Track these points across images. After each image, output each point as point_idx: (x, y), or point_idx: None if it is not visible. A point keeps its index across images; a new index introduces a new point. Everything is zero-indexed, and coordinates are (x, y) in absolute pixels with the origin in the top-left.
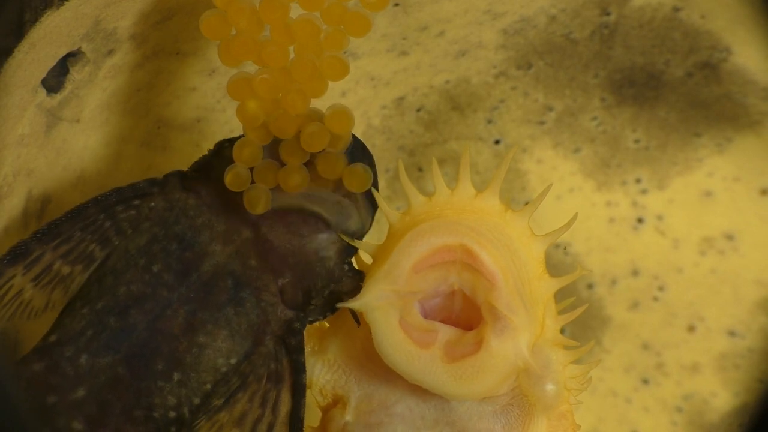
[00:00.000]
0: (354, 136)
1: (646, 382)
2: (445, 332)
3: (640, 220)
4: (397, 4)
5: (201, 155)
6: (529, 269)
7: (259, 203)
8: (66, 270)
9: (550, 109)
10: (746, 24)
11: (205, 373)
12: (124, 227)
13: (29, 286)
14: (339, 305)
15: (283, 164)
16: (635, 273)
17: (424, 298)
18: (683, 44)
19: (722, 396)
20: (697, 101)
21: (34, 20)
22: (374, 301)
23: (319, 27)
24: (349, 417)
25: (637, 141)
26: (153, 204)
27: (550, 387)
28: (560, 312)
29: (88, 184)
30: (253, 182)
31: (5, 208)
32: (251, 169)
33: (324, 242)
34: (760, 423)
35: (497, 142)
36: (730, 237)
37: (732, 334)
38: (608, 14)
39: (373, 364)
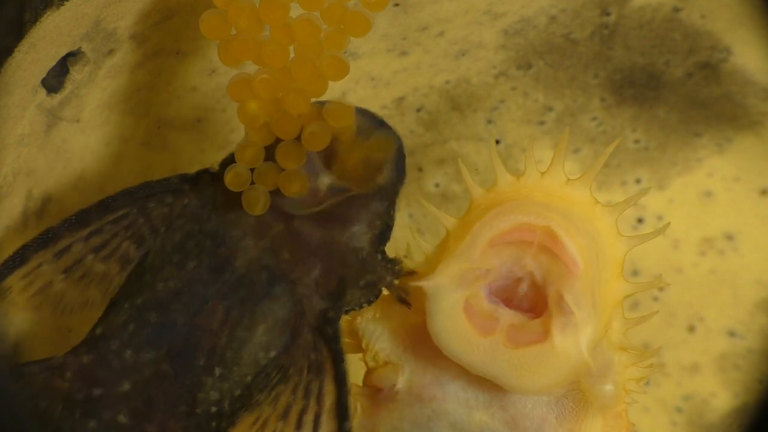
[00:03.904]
0: (371, 117)
1: (646, 382)
2: (508, 317)
3: (640, 221)
4: (397, 4)
5: (228, 153)
6: (609, 268)
7: (257, 204)
8: (100, 268)
9: (550, 110)
10: (746, 24)
11: (246, 367)
12: (157, 225)
13: (60, 278)
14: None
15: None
16: (635, 273)
17: (493, 280)
18: (683, 44)
19: (722, 396)
20: (697, 101)
21: (34, 20)
22: (446, 280)
23: (319, 27)
24: (400, 384)
25: (637, 141)
26: (186, 202)
27: (609, 387)
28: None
29: (88, 184)
30: (252, 183)
31: (5, 208)
32: (252, 170)
33: (356, 233)
34: (760, 423)
35: (497, 142)
36: (729, 237)
37: (732, 334)
38: (608, 14)
39: (431, 339)
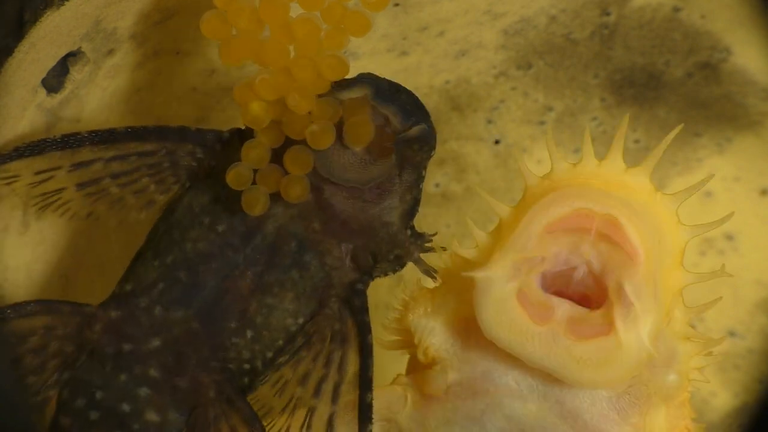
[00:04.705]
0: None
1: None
2: (566, 309)
3: None
4: (397, 4)
5: None
6: (670, 257)
7: (257, 205)
8: (115, 191)
9: (550, 109)
10: (746, 24)
11: (276, 332)
12: (182, 176)
13: (73, 188)
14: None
15: (286, 171)
16: None
17: (549, 269)
18: (683, 44)
19: (722, 396)
20: (697, 101)
21: (34, 20)
22: (499, 271)
23: (319, 26)
24: (452, 381)
25: (637, 141)
26: (216, 162)
27: (672, 377)
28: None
29: None
30: (254, 183)
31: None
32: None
33: (386, 208)
34: (760, 423)
35: (497, 142)
36: (729, 237)
37: (732, 334)
38: (608, 14)
39: (481, 332)
